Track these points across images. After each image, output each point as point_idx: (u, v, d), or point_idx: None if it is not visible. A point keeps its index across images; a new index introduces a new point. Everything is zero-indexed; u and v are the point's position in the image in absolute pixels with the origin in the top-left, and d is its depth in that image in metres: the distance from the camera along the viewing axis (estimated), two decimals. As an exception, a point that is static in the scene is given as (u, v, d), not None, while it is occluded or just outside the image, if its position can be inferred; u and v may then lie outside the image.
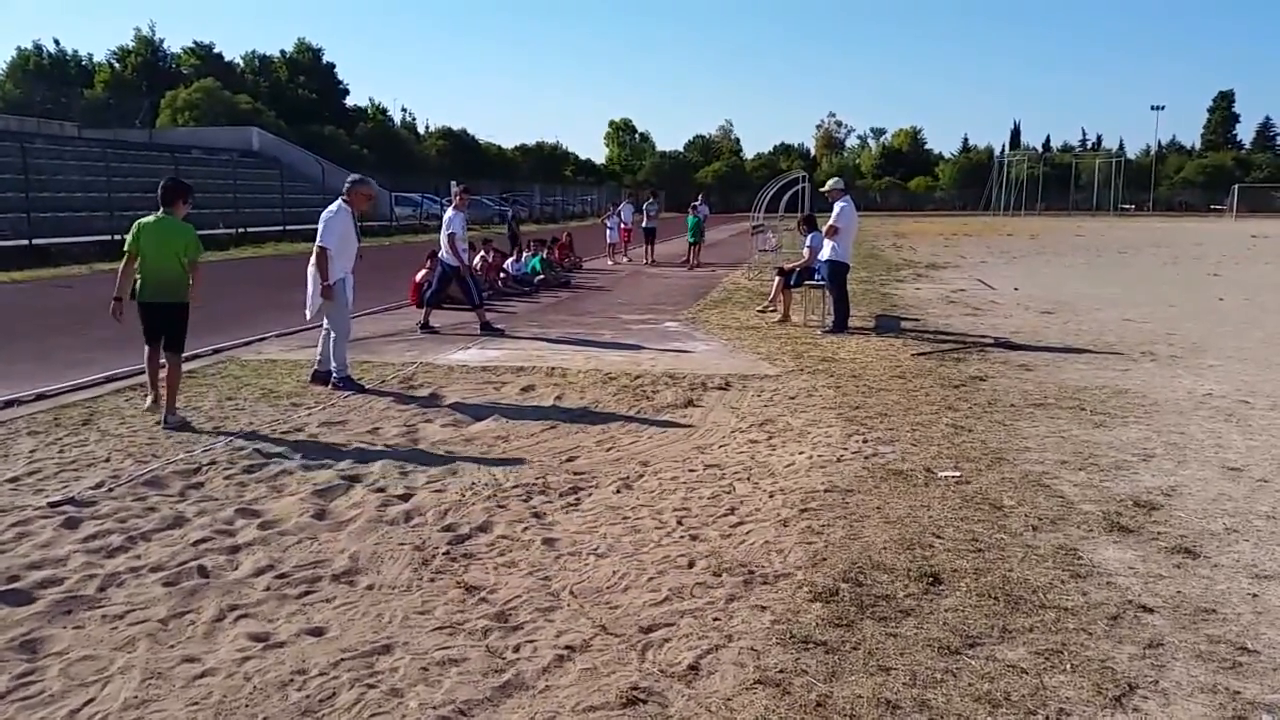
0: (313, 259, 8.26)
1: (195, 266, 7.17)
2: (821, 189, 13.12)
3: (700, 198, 26.31)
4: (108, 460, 6.06)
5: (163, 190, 7.28)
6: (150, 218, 7.16)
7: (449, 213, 11.99)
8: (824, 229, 12.39)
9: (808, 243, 13.21)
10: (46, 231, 23.91)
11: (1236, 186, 77.88)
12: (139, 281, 7.13)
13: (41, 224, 24.17)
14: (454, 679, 3.39)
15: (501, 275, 17.12)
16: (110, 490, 5.43)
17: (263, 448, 6.37)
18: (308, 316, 8.50)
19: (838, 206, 12.09)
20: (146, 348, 7.32)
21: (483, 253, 17.18)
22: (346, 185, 8.58)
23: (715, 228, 45.19)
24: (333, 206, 8.41)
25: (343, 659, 3.53)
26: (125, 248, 7.18)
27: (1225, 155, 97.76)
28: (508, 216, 25.64)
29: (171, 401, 7.03)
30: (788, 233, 22.86)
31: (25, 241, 22.54)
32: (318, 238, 8.24)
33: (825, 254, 12.12)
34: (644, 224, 24.83)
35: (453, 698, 3.26)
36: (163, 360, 7.15)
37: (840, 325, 12.00)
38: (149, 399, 7.42)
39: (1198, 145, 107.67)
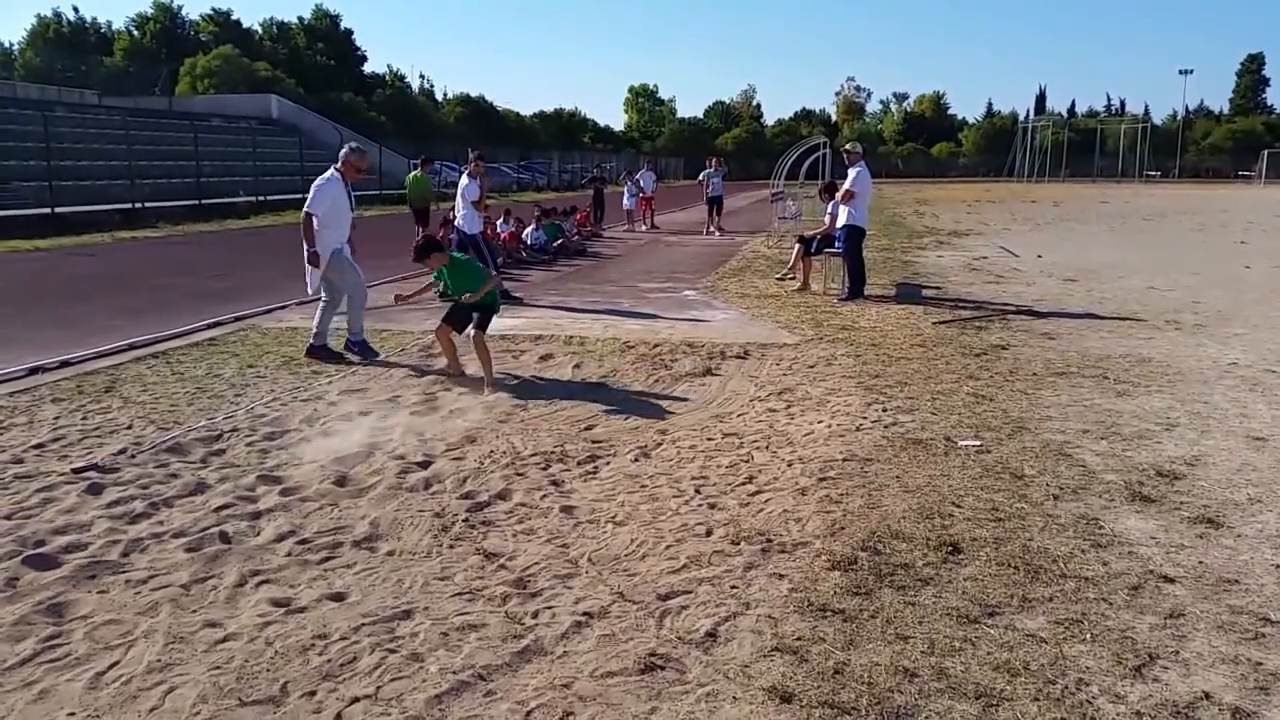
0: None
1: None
2: (841, 148, 13.03)
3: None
4: (130, 427, 6.12)
5: (422, 159, 16.01)
6: (412, 174, 16.26)
7: (464, 180, 11.97)
8: (839, 194, 12.28)
9: (829, 210, 13.07)
10: (68, 200, 24.02)
11: (1266, 152, 76.29)
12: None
13: (63, 192, 24.27)
14: (473, 644, 3.42)
15: (520, 245, 17.07)
16: (133, 457, 5.49)
17: (283, 414, 6.42)
18: (309, 290, 8.50)
19: (853, 171, 11.97)
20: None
21: (502, 221, 17.15)
22: (343, 152, 8.44)
23: (733, 195, 44.93)
24: (325, 174, 8.32)
25: (363, 624, 3.56)
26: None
27: (1255, 120, 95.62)
28: (594, 179, 28.90)
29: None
30: (808, 199, 22.62)
31: (47, 209, 22.67)
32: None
33: (842, 219, 12.04)
34: (709, 193, 24.71)
35: (472, 662, 3.29)
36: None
37: (855, 292, 11.89)
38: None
39: (1226, 110, 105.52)
